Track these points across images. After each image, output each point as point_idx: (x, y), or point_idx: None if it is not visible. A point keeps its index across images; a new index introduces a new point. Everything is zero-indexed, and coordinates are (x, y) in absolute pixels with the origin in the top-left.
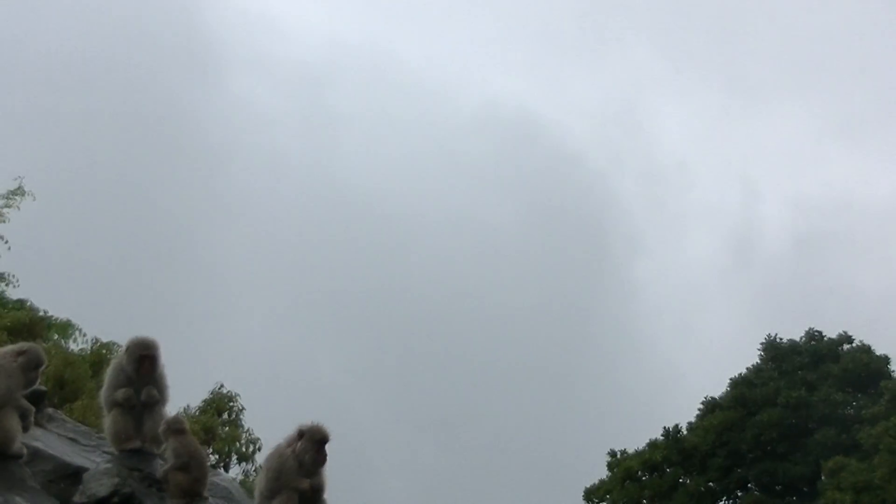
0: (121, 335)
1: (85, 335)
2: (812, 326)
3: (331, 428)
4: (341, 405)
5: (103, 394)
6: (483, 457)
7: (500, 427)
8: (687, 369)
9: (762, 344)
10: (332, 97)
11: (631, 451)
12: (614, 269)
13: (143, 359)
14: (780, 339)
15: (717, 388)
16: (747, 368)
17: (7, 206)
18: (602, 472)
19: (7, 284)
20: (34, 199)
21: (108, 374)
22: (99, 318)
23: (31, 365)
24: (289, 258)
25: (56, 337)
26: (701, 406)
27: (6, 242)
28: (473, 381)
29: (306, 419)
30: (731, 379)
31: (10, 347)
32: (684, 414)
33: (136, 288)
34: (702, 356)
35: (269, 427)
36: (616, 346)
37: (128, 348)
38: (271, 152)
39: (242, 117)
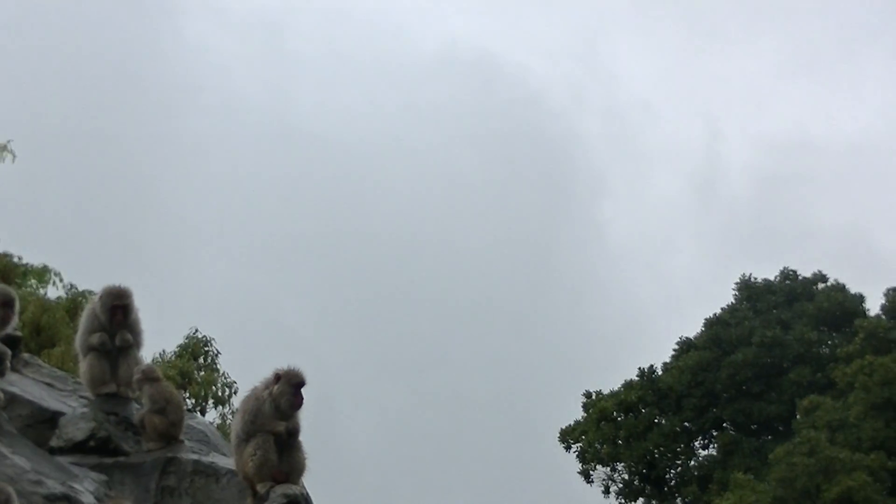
0: (95, 281)
1: (62, 280)
2: (786, 266)
3: (306, 372)
4: (307, 348)
5: (78, 339)
6: (451, 398)
7: (467, 369)
8: (654, 310)
9: (736, 283)
10: (289, 41)
11: (606, 391)
12: (579, 210)
13: (116, 309)
14: (755, 278)
15: (684, 328)
16: (722, 308)
17: None
18: (575, 414)
19: None
20: (14, 160)
21: (83, 319)
22: (74, 265)
23: None
24: (250, 202)
25: (32, 283)
26: (675, 346)
27: None
28: (438, 324)
29: (273, 363)
30: (705, 319)
31: None
32: (650, 354)
33: (105, 234)
34: (668, 296)
35: (239, 370)
36: (582, 287)
37: (101, 297)
38: (229, 97)
39: (199, 62)
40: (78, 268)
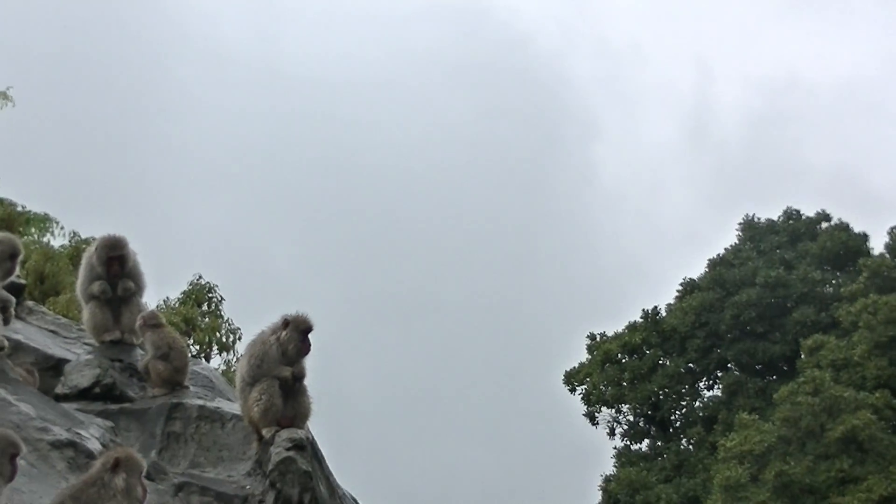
0: (97, 228)
1: (63, 228)
2: (788, 205)
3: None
4: (299, 293)
5: (78, 288)
6: (446, 341)
7: (461, 312)
8: (647, 252)
9: (739, 224)
10: None
11: (610, 333)
12: (570, 152)
13: (111, 260)
14: (758, 218)
15: (678, 270)
16: (725, 248)
17: None
18: (568, 356)
19: None
20: (14, 106)
21: (82, 268)
22: (75, 213)
23: (6, 255)
24: (241, 148)
25: (34, 231)
26: (679, 287)
27: None
28: (431, 268)
29: (266, 309)
30: (708, 259)
31: None
32: (646, 296)
33: (100, 181)
34: (661, 238)
35: (236, 317)
36: (575, 230)
37: (97, 249)
38: (217, 43)
39: (187, 8)
40: (79, 215)
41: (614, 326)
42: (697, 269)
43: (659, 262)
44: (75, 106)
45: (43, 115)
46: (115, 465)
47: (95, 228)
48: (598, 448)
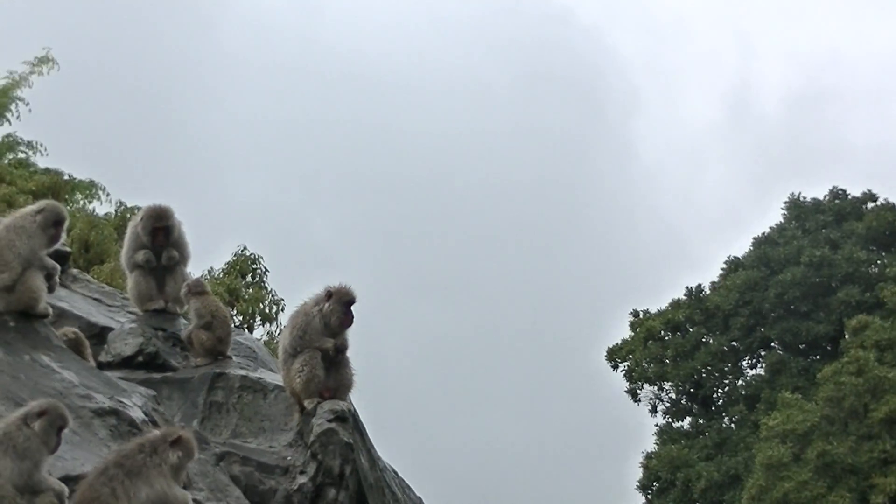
0: (141, 197)
1: (108, 195)
2: (834, 184)
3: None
4: (338, 265)
5: (123, 256)
6: (485, 317)
7: (500, 286)
8: (688, 230)
9: (785, 202)
10: None
11: (653, 310)
12: (611, 128)
13: (157, 231)
14: (804, 197)
15: (719, 248)
16: (770, 227)
17: (33, 72)
18: (608, 332)
19: (35, 152)
20: (59, 70)
21: (127, 237)
22: (121, 182)
23: (50, 221)
24: (279, 118)
25: (80, 199)
26: (723, 265)
27: (27, 105)
28: (470, 242)
29: (304, 281)
30: (753, 238)
31: (28, 208)
32: (683, 275)
33: (148, 151)
34: (701, 216)
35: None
36: (616, 206)
37: (142, 218)
38: (257, 13)
39: None
40: (124, 184)
41: (654, 303)
42: (736, 247)
43: (698, 239)
44: (119, 74)
45: (88, 83)
46: (177, 441)
47: (141, 197)
48: (639, 425)
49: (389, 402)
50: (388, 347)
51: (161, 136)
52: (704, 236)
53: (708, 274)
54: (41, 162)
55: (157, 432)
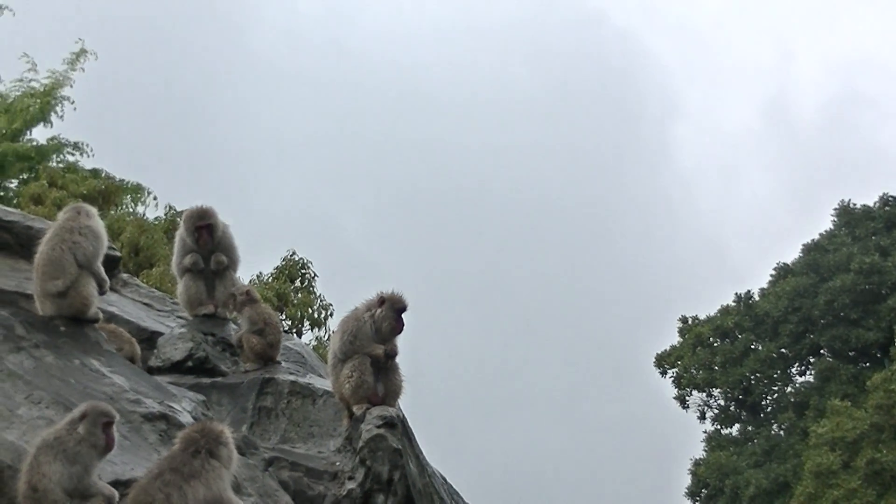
0: (191, 203)
1: (156, 199)
2: (885, 191)
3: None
4: (372, 268)
5: (173, 262)
6: (523, 324)
7: (537, 295)
8: (726, 235)
9: (835, 209)
10: None
11: (702, 316)
12: (648, 132)
13: (199, 230)
14: (853, 203)
15: (756, 253)
16: (819, 234)
17: (73, 69)
18: (647, 339)
19: (81, 154)
20: (96, 58)
21: (176, 242)
22: (168, 187)
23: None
24: (312, 123)
25: (128, 200)
26: (772, 272)
27: (73, 104)
28: (504, 248)
29: (339, 286)
30: (803, 244)
31: (84, 213)
32: (721, 281)
33: (189, 155)
34: (737, 221)
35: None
36: (653, 210)
37: (184, 220)
38: (291, 17)
39: None
40: (172, 189)
41: (690, 308)
42: (774, 253)
43: (735, 244)
44: (154, 78)
45: (124, 86)
46: (224, 438)
47: (190, 203)
48: (688, 432)
49: (429, 406)
50: (425, 351)
51: (198, 142)
52: (741, 242)
53: (744, 279)
54: (87, 163)
55: (198, 432)
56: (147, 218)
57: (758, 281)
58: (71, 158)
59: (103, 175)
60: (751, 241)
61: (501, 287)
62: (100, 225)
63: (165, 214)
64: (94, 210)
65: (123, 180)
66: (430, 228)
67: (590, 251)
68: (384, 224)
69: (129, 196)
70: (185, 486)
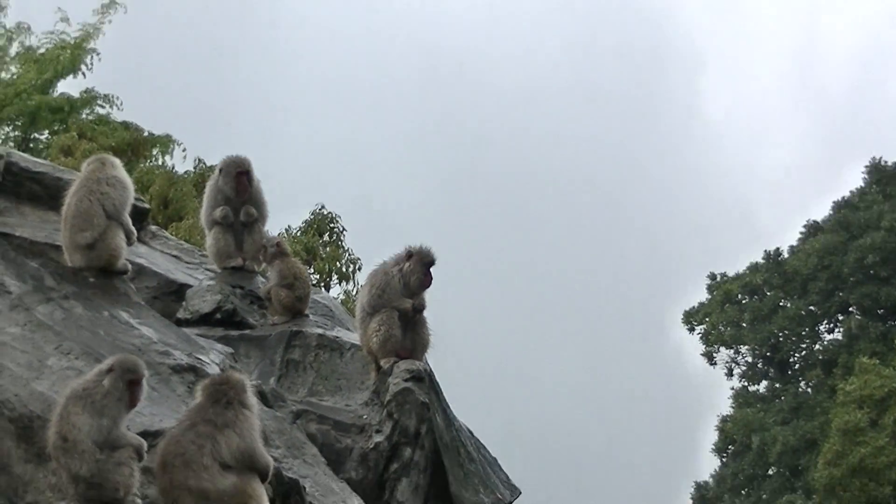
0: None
1: (185, 150)
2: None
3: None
4: (399, 221)
5: (202, 214)
6: (551, 276)
7: (559, 249)
8: (754, 192)
9: (866, 167)
10: None
11: (731, 274)
12: (675, 86)
13: (239, 176)
14: (885, 161)
15: (784, 210)
16: (850, 191)
17: (102, 21)
18: (667, 294)
19: (112, 106)
20: (126, 11)
21: (206, 194)
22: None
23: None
24: (346, 78)
25: (156, 152)
26: (803, 229)
27: (99, 57)
28: (535, 201)
29: (368, 238)
30: (833, 202)
31: (111, 165)
32: (748, 237)
33: (221, 108)
34: (764, 176)
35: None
36: (678, 165)
37: (223, 167)
38: None
39: None
40: (201, 142)
41: (724, 267)
42: (803, 211)
43: (763, 201)
44: (183, 28)
45: (155, 34)
46: (262, 395)
47: (219, 156)
48: (715, 389)
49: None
50: (452, 308)
51: (227, 95)
52: (768, 199)
53: (771, 237)
54: (117, 116)
55: (224, 383)
56: (176, 170)
57: (784, 239)
58: (101, 111)
59: (132, 128)
60: (778, 198)
61: (526, 246)
62: (126, 175)
63: (195, 168)
64: (118, 161)
65: (152, 133)
66: (456, 187)
67: (616, 209)
68: (411, 181)
69: (157, 148)
70: (220, 436)
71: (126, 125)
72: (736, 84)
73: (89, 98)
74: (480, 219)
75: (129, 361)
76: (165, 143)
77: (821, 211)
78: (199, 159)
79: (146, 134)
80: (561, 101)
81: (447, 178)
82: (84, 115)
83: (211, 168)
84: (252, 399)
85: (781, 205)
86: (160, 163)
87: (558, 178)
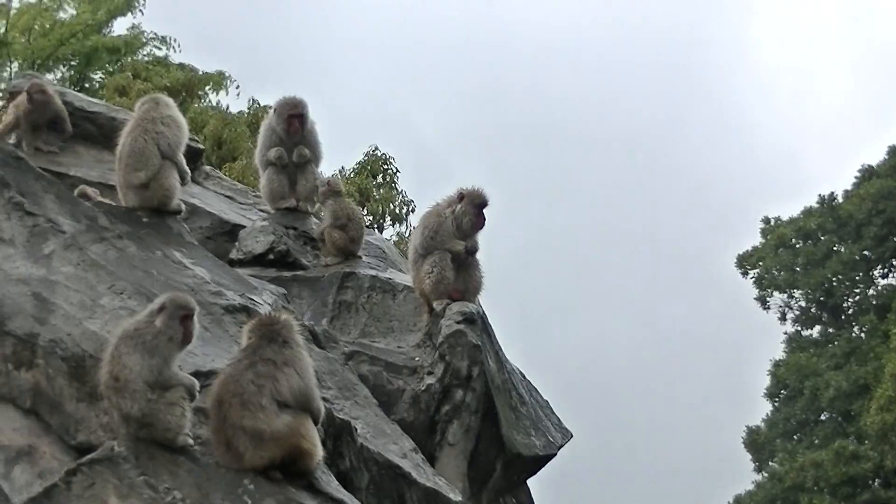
0: (271, 95)
1: (238, 87)
2: None
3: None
4: (444, 169)
5: (257, 154)
6: (594, 225)
7: (608, 195)
8: (805, 138)
9: None
10: None
11: (784, 218)
12: (723, 32)
13: (292, 118)
14: None
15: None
16: None
17: None
18: (730, 243)
19: (168, 48)
20: None
21: (260, 134)
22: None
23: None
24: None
25: (209, 90)
26: (857, 173)
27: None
28: (577, 150)
29: (411, 184)
30: (889, 146)
31: (164, 104)
32: (796, 184)
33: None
34: (814, 124)
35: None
36: (728, 113)
37: (276, 108)
38: None
39: None
40: (256, 84)
41: (776, 212)
42: (855, 156)
43: (814, 147)
44: None
45: None
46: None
47: (271, 95)
48: (768, 333)
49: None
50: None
51: (280, 37)
52: (820, 145)
53: (823, 183)
54: (174, 58)
55: (276, 323)
56: (230, 110)
57: (836, 184)
58: (158, 53)
59: (187, 68)
60: (830, 144)
61: (576, 189)
62: (180, 115)
63: (249, 108)
64: (172, 101)
65: (206, 73)
66: (503, 130)
67: (665, 154)
68: (457, 122)
69: (210, 86)
70: (280, 374)
71: (181, 66)
72: (786, 31)
73: (144, 40)
74: (531, 162)
75: (180, 298)
76: (219, 80)
77: (876, 156)
78: (254, 99)
79: (200, 73)
80: (605, 47)
81: (497, 122)
82: (140, 57)
83: (265, 108)
84: (301, 339)
85: (834, 152)
86: (214, 102)
87: (609, 124)
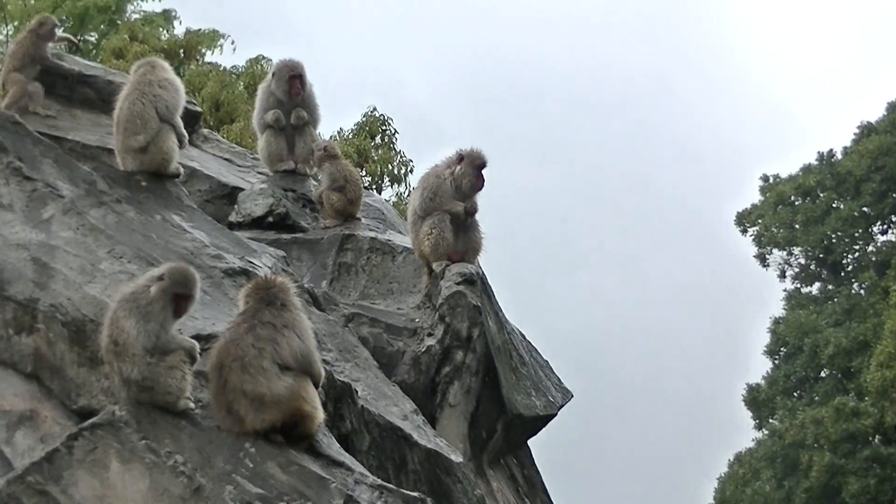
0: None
1: (234, 44)
2: None
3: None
4: (436, 128)
5: (254, 117)
6: (595, 181)
7: (600, 153)
8: (792, 97)
9: None
10: None
11: (783, 175)
12: None
13: (293, 79)
14: None
15: (832, 115)
16: None
17: None
18: (728, 200)
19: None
20: None
21: (258, 97)
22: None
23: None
24: None
25: (204, 50)
26: (856, 130)
27: None
28: (574, 107)
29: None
30: (888, 102)
31: (162, 68)
32: (789, 145)
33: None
34: (808, 84)
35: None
36: (719, 69)
37: (275, 71)
38: None
39: None
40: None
41: (774, 169)
42: (852, 113)
43: (809, 104)
44: None
45: None
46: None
47: (268, 49)
48: (767, 290)
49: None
50: (497, 210)
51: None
52: (815, 102)
53: (819, 139)
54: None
55: (274, 286)
56: (226, 68)
57: (837, 141)
58: (146, 7)
59: (175, 16)
60: (825, 101)
61: (567, 148)
62: (177, 78)
63: (246, 67)
64: (167, 64)
65: (199, 29)
66: (493, 90)
67: (658, 113)
68: (447, 82)
69: (206, 46)
70: (280, 337)
71: (167, 14)
72: None
73: None
74: (521, 121)
75: (182, 274)
76: (212, 38)
77: (875, 112)
78: (261, 56)
79: (193, 31)
80: (596, 7)
81: (486, 83)
82: (130, 14)
83: (261, 62)
84: (299, 301)
85: (829, 109)
86: (210, 60)
87: (600, 82)
